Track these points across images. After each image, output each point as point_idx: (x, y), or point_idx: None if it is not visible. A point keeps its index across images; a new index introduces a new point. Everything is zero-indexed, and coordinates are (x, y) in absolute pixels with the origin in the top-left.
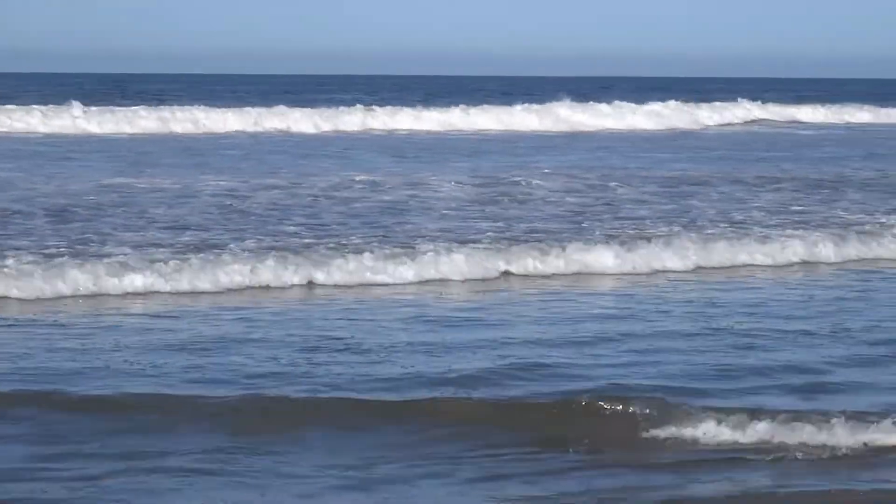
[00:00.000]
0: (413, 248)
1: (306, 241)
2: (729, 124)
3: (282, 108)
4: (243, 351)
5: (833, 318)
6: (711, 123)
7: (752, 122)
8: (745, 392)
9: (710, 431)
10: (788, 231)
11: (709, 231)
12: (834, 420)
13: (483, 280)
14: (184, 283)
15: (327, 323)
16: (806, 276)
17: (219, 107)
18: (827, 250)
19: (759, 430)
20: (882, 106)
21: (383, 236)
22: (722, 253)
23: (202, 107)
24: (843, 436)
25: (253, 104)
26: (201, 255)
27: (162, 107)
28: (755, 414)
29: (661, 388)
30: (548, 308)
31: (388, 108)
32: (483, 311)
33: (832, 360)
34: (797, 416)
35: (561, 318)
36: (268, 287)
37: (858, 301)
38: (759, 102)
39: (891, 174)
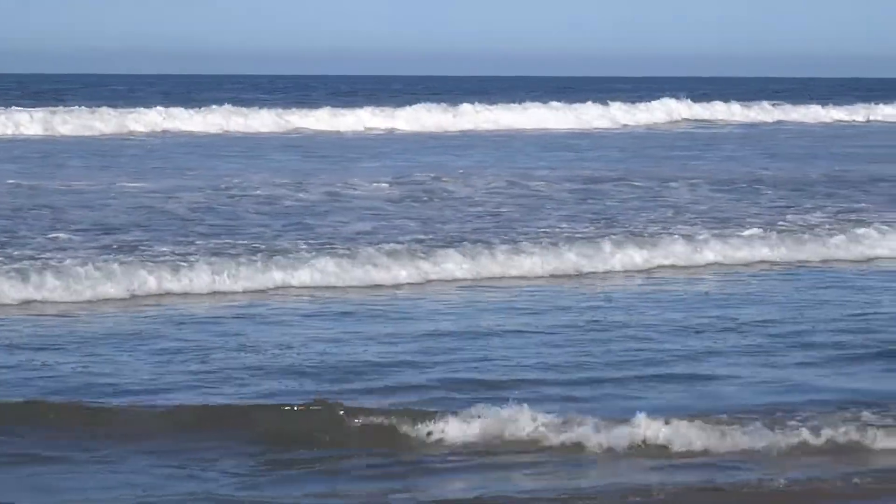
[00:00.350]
0: (336, 249)
1: (226, 241)
2: (654, 124)
3: (192, 107)
4: (137, 355)
5: (730, 317)
6: (631, 123)
7: (677, 121)
8: (583, 383)
9: (454, 432)
10: (715, 231)
11: (627, 233)
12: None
13: (413, 284)
14: (99, 288)
15: (231, 325)
16: (719, 275)
17: (120, 107)
18: (748, 250)
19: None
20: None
21: (307, 238)
22: (639, 254)
23: (106, 107)
24: (552, 436)
25: (155, 104)
26: (122, 257)
27: (62, 107)
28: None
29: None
30: (450, 307)
31: (295, 108)
32: (390, 311)
33: (709, 356)
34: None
35: (460, 317)
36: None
37: (759, 297)
38: (686, 101)
39: (804, 173)
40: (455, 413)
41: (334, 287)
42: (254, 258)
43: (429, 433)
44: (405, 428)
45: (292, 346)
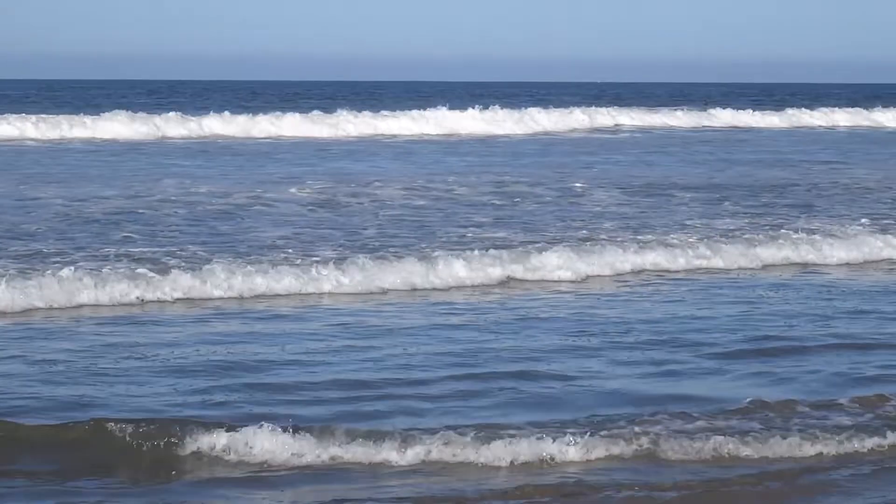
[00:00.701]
0: (255, 258)
1: (142, 249)
2: (573, 130)
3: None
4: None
5: (617, 322)
6: (549, 128)
7: (596, 128)
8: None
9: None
10: (640, 238)
11: (548, 239)
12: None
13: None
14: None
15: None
16: (621, 282)
17: (13, 112)
18: (659, 257)
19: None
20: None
21: (220, 245)
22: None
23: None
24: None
25: (49, 111)
26: (34, 265)
27: None
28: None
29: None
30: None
31: (196, 113)
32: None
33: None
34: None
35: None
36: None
37: (652, 304)
38: (593, 108)
39: (711, 179)
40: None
41: (261, 296)
42: (165, 266)
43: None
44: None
45: (184, 355)
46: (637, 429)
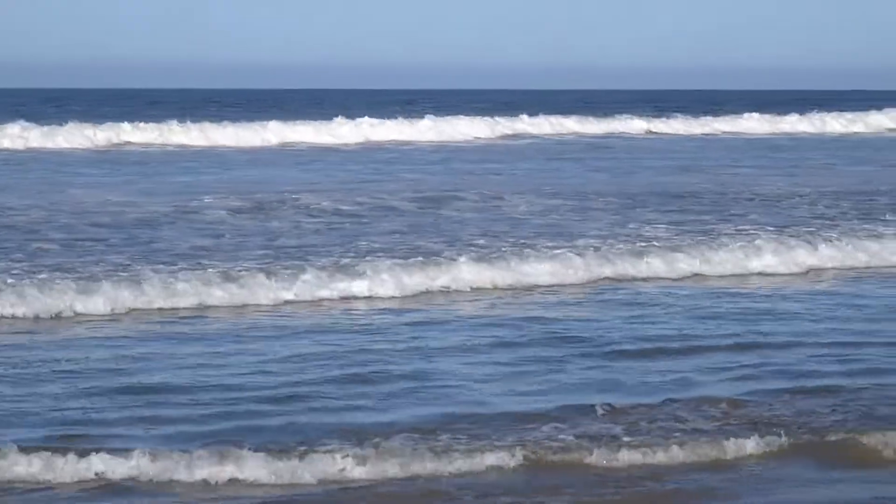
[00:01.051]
0: (177, 267)
1: (59, 259)
2: (481, 138)
3: None
4: None
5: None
6: (461, 136)
7: (504, 136)
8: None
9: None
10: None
11: (467, 249)
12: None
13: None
14: None
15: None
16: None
17: None
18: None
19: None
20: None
21: (135, 257)
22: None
23: None
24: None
25: None
26: None
27: None
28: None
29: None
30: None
31: (96, 122)
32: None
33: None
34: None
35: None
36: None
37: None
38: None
39: (624, 186)
40: None
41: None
42: (86, 275)
43: None
44: None
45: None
46: (511, 438)
